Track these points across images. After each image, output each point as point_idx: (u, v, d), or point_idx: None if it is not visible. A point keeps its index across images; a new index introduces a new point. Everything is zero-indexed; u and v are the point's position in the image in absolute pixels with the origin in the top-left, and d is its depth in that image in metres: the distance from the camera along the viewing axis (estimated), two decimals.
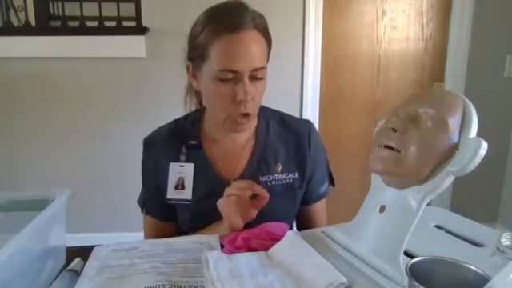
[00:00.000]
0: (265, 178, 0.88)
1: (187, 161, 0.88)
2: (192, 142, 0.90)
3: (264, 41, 0.80)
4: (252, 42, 0.76)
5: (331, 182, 0.99)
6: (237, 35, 0.75)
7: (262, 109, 0.95)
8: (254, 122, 0.92)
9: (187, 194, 0.87)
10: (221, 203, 0.79)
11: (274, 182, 0.89)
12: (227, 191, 0.79)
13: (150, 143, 0.92)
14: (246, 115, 0.80)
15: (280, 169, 0.89)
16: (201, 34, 0.78)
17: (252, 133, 0.92)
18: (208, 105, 0.88)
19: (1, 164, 2.30)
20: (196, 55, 0.81)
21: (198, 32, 0.79)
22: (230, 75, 0.76)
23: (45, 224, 0.67)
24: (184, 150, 0.89)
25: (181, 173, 0.88)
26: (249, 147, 0.90)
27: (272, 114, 0.96)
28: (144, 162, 0.93)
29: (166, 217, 0.92)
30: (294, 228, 0.97)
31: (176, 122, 0.95)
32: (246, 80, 0.76)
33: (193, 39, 0.81)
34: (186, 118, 0.96)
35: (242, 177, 0.87)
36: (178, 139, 0.91)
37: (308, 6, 2.25)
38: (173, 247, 0.73)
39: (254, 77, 0.78)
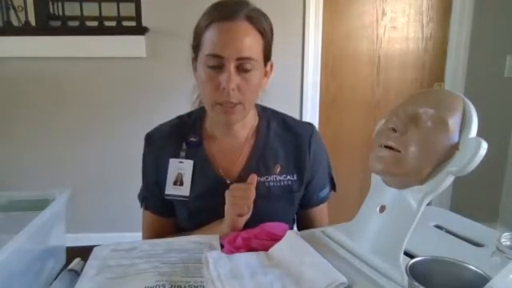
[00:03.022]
0: (263, 179, 0.87)
1: (187, 157, 0.89)
2: (192, 139, 0.90)
3: (257, 35, 0.79)
4: (241, 32, 0.77)
5: (333, 187, 0.98)
6: (226, 23, 0.77)
7: (264, 109, 0.95)
8: (251, 119, 0.91)
9: (185, 190, 0.87)
10: (228, 201, 0.80)
11: (272, 184, 0.88)
12: (233, 192, 0.80)
13: (151, 138, 0.93)
14: (232, 104, 0.79)
15: (279, 170, 0.89)
16: (199, 23, 0.81)
17: (252, 132, 0.92)
18: (201, 94, 0.88)
19: (1, 164, 2.30)
20: (194, 44, 0.83)
21: (198, 22, 0.82)
22: (216, 61, 0.77)
23: (45, 224, 0.67)
24: (184, 146, 0.90)
25: (180, 169, 0.88)
26: (248, 146, 0.90)
27: (274, 115, 0.95)
28: (144, 157, 0.93)
29: (165, 212, 0.92)
30: (295, 229, 0.97)
31: (180, 118, 0.96)
32: (232, 68, 0.76)
33: (194, 29, 0.83)
34: (189, 114, 0.96)
35: (241, 176, 0.87)
36: (179, 135, 0.91)
37: (308, 6, 2.24)
38: (173, 247, 0.73)
39: (243, 67, 0.78)
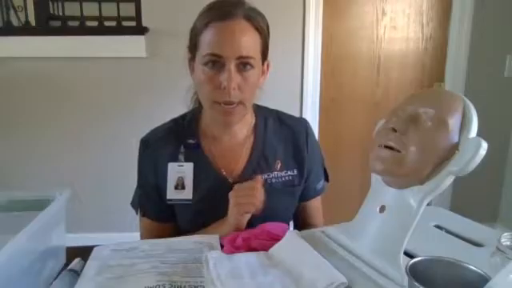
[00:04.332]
0: (265, 176, 0.88)
1: (186, 160, 0.88)
2: (190, 141, 0.90)
3: (256, 33, 0.80)
4: (239, 31, 0.77)
5: (326, 178, 1.01)
6: (224, 23, 0.77)
7: (259, 107, 0.96)
8: (249, 118, 0.92)
9: (187, 193, 0.87)
10: (232, 202, 0.80)
11: (274, 180, 0.89)
12: (236, 192, 0.80)
13: (147, 143, 0.91)
14: (232, 104, 0.79)
15: (279, 166, 0.90)
16: (196, 24, 0.81)
17: (250, 130, 0.92)
18: (199, 94, 0.88)
19: (1, 164, 2.30)
20: (191, 45, 0.83)
21: (194, 23, 0.82)
22: (215, 61, 0.77)
23: (45, 224, 0.67)
24: (182, 149, 0.89)
25: (180, 172, 0.87)
26: (248, 145, 0.91)
27: (269, 112, 0.97)
28: (141, 163, 0.91)
29: (164, 218, 0.91)
30: (292, 225, 0.98)
31: (174, 121, 0.95)
32: (232, 67, 0.77)
33: (191, 29, 0.83)
34: (183, 117, 0.95)
35: (243, 175, 0.87)
36: (175, 138, 0.90)
37: (308, 6, 2.24)
38: (173, 247, 0.73)
39: (242, 66, 0.78)
